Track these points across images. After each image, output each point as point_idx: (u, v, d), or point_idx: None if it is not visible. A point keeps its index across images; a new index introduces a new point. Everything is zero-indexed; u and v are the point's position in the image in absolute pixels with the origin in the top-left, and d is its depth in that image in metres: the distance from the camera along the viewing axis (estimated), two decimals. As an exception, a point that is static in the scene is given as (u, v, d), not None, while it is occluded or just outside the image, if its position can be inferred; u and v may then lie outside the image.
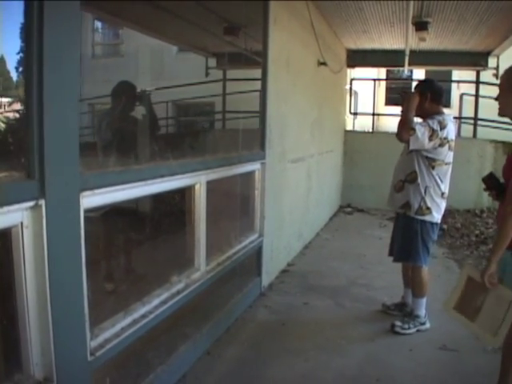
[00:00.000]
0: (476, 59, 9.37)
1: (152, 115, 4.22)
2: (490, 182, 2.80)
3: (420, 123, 3.75)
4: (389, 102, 16.70)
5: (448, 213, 8.45)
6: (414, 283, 4.03)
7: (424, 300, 3.99)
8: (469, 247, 6.75)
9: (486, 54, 9.26)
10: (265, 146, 4.48)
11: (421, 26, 6.66)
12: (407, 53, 8.22)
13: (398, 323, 3.93)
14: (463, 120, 10.78)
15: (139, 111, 4.17)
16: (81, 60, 2.01)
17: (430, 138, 3.67)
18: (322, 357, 3.49)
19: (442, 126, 3.70)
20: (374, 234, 7.30)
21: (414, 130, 3.65)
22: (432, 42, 8.23)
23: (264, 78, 4.43)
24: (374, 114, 10.85)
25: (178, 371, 3.07)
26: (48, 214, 1.87)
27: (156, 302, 2.82)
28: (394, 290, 4.55)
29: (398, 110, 4.10)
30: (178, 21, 5.60)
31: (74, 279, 2.07)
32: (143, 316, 2.65)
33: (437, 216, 3.88)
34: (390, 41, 8.54)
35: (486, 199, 9.06)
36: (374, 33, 7.98)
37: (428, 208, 3.82)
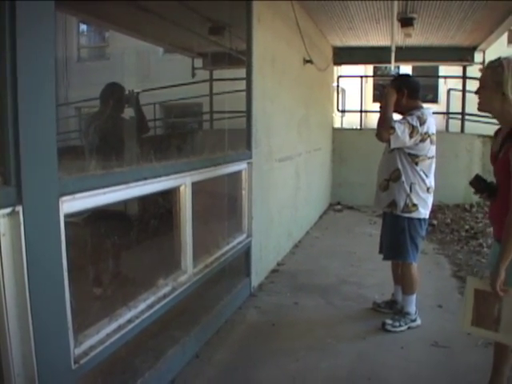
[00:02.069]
0: (462, 54, 9.39)
1: (140, 116, 4.17)
2: (477, 184, 2.74)
3: (399, 121, 3.73)
4: (376, 98, 16.73)
5: (438, 208, 8.48)
6: (403, 280, 4.01)
7: (414, 297, 3.97)
8: (459, 242, 6.76)
9: (472, 49, 9.30)
10: (251, 145, 4.45)
11: (406, 22, 6.67)
12: (393, 49, 8.23)
13: (389, 321, 3.91)
14: (451, 115, 10.80)
15: (128, 113, 4.12)
16: (66, 63, 1.96)
17: (411, 135, 3.65)
18: (312, 357, 3.46)
19: (422, 122, 3.69)
20: (363, 231, 7.30)
21: (393, 128, 3.64)
22: (418, 37, 8.25)
23: (249, 78, 4.40)
24: (361, 111, 10.86)
25: (167, 376, 3.02)
26: (26, 221, 1.82)
27: (142, 306, 2.77)
28: (385, 287, 4.54)
29: (378, 106, 4.08)
30: (162, 22, 5.56)
31: (55, 286, 2.02)
32: (129, 321, 2.61)
33: (424, 212, 3.86)
34: (376, 38, 8.54)
35: (475, 194, 9.07)
36: (360, 30, 7.98)
37: (414, 205, 3.80)
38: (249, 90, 4.41)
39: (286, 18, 5.51)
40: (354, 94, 12.68)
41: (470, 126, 9.83)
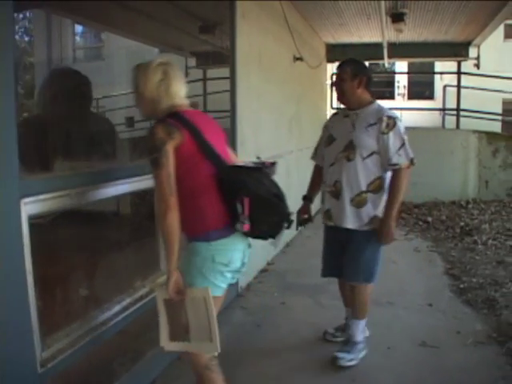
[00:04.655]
0: (457, 50, 9.37)
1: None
2: None
3: (397, 151, 3.07)
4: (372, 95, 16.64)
5: (433, 205, 8.42)
6: (359, 304, 3.35)
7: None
8: (453, 239, 6.68)
9: (466, 45, 9.27)
10: (236, 143, 4.37)
11: (397, 17, 6.59)
12: (385, 45, 8.17)
13: (341, 354, 3.31)
14: (447, 112, 10.75)
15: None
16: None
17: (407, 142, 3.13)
18: (296, 358, 3.40)
19: (403, 124, 3.18)
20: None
21: (411, 159, 3.10)
22: (411, 33, 8.19)
23: (233, 75, 4.34)
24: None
25: (145, 378, 2.97)
26: (-17, 223, 1.77)
27: (117, 308, 2.71)
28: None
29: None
30: (153, 22, 5.52)
31: (16, 290, 1.96)
32: (103, 323, 2.55)
33: None
34: (368, 34, 8.48)
35: (472, 190, 9.03)
36: (352, 26, 7.92)
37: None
38: (233, 87, 4.35)
39: (273, 14, 5.44)
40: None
41: (465, 122, 9.77)
